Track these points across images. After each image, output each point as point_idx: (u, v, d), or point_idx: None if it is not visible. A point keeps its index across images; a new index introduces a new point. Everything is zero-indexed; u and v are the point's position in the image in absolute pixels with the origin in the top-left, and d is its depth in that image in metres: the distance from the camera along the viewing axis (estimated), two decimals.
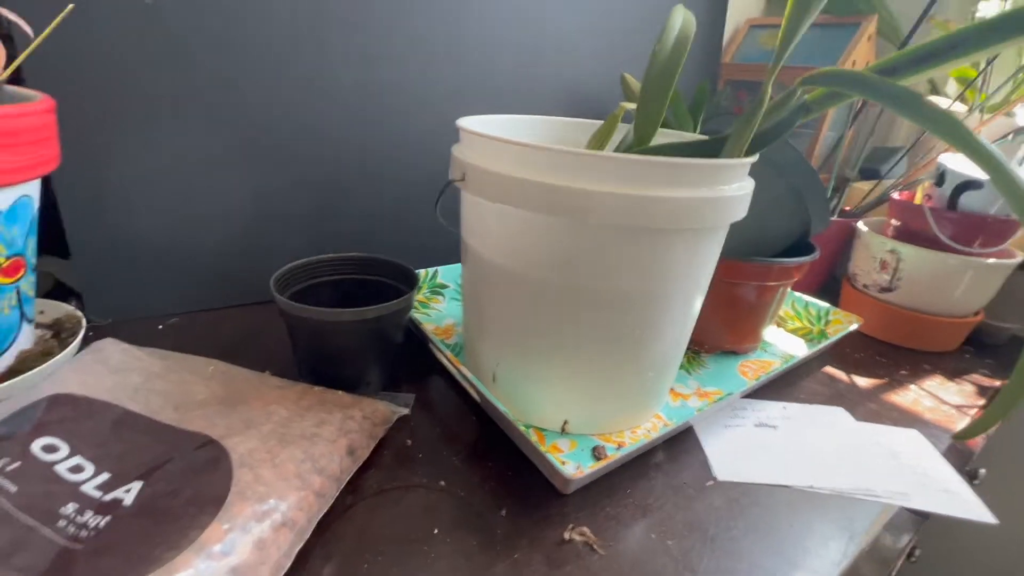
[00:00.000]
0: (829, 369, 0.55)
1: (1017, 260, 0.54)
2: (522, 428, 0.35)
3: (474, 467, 0.36)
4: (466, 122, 0.38)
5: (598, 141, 0.43)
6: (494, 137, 0.32)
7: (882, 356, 0.58)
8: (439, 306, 0.58)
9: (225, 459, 0.27)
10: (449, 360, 0.42)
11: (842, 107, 0.88)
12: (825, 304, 0.60)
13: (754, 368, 0.52)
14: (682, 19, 0.41)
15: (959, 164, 0.54)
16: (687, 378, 0.50)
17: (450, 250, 0.52)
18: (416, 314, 0.55)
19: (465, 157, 0.35)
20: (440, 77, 0.59)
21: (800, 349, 0.57)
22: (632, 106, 0.42)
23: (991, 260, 0.54)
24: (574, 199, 0.30)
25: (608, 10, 0.71)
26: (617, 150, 0.42)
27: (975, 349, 0.60)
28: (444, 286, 0.61)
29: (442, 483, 0.35)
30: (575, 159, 0.30)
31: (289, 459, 0.28)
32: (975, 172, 0.53)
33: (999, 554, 0.81)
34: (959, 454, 0.44)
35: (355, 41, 0.53)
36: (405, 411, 0.39)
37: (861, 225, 0.63)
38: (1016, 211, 0.24)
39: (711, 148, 0.36)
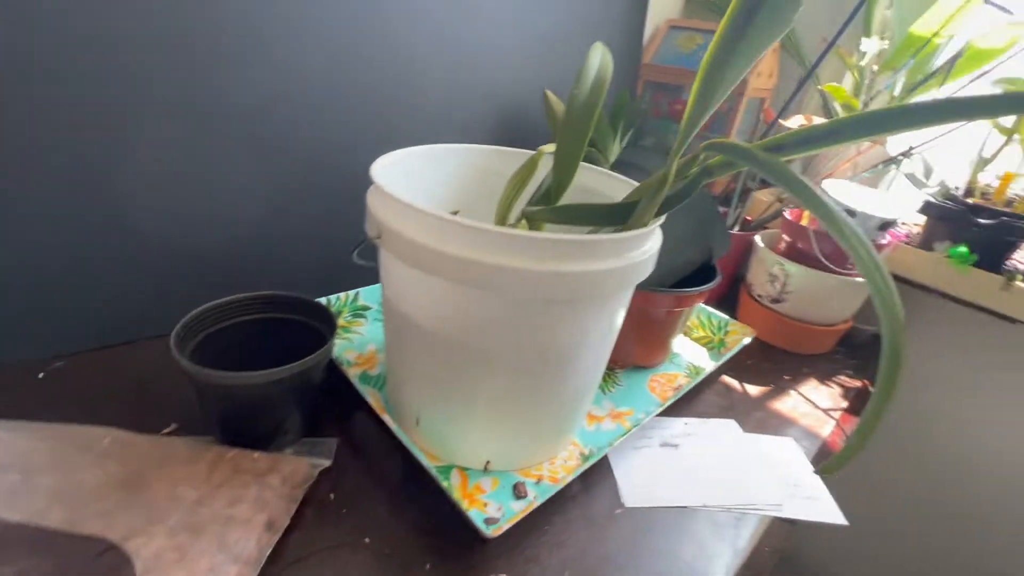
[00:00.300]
0: (725, 379, 0.61)
1: None
2: (444, 484, 0.36)
3: (399, 517, 0.37)
4: (381, 171, 0.37)
5: (517, 182, 0.43)
6: (406, 203, 0.32)
7: (769, 361, 0.66)
8: (361, 329, 0.57)
9: (128, 567, 0.25)
10: (372, 406, 0.42)
11: (748, 115, 0.94)
12: (725, 316, 0.66)
13: (662, 383, 0.57)
14: (600, 60, 0.41)
15: (839, 192, 0.61)
16: (602, 398, 0.53)
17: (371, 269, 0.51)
18: (337, 340, 0.54)
19: (380, 214, 0.34)
20: (367, 91, 0.56)
21: (702, 359, 0.62)
22: (551, 149, 0.43)
23: (860, 279, 0.61)
24: (488, 274, 0.30)
25: (536, 23, 0.69)
26: (536, 194, 0.43)
27: (845, 349, 0.70)
28: (366, 308, 0.60)
29: (367, 539, 0.35)
30: (489, 236, 0.30)
31: (201, 553, 0.27)
32: (849, 201, 0.59)
33: (844, 549, 0.96)
34: (823, 457, 0.51)
35: (273, 56, 0.48)
36: (326, 463, 0.39)
37: (758, 240, 0.70)
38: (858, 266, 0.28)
39: (622, 212, 0.37)
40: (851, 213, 0.59)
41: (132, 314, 0.49)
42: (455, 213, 0.49)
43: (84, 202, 0.44)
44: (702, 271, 0.56)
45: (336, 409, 0.46)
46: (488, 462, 0.41)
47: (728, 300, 0.76)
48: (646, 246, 0.36)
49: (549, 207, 0.39)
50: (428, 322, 0.35)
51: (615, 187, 0.47)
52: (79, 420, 0.40)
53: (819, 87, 0.71)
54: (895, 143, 0.67)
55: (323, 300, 0.56)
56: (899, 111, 0.28)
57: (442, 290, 0.33)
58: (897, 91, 0.71)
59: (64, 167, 0.42)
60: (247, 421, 0.39)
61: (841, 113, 0.74)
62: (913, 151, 0.63)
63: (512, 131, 0.75)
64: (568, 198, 0.42)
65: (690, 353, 0.63)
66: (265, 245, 0.56)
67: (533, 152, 0.49)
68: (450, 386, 0.38)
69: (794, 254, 0.65)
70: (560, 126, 0.40)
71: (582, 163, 0.44)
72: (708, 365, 0.61)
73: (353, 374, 0.48)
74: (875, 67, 0.67)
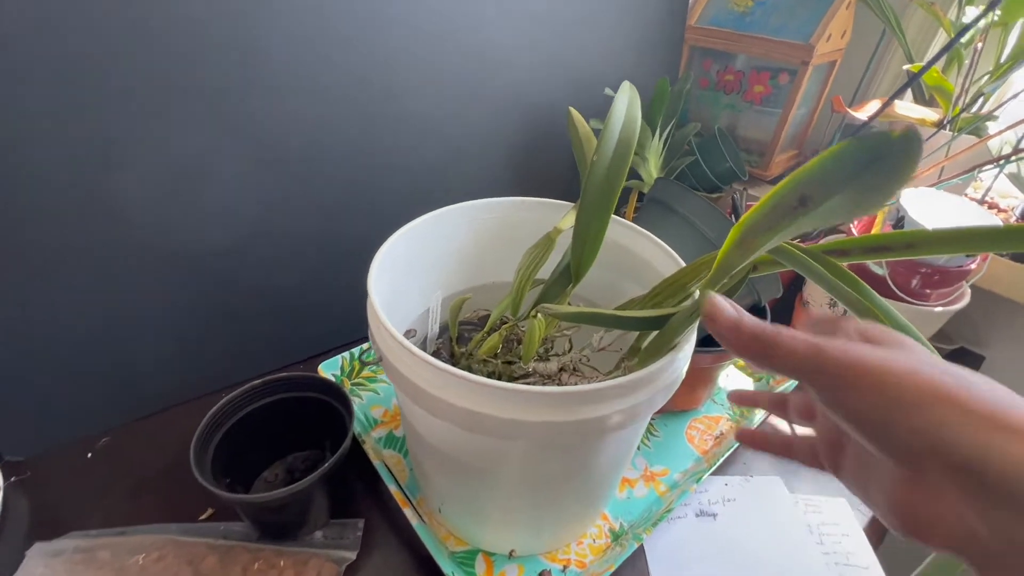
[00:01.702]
0: (773, 419, 0.56)
1: (960, 305, 0.54)
2: None
3: None
4: (378, 276, 0.34)
5: (531, 264, 0.38)
6: (404, 344, 0.29)
7: None
8: (379, 386, 0.55)
9: None
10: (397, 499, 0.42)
11: (814, 84, 0.81)
12: None
13: (702, 430, 0.54)
14: (626, 110, 0.35)
15: (918, 210, 0.52)
16: (636, 454, 0.51)
17: None
18: (364, 391, 0.53)
19: (379, 339, 0.32)
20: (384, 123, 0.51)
21: None
22: (569, 225, 0.38)
23: (938, 309, 0.54)
24: (498, 426, 0.28)
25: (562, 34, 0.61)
26: (555, 272, 0.39)
27: None
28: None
29: None
30: (497, 393, 0.27)
31: None
32: (931, 223, 0.50)
33: None
34: (879, 524, 0.47)
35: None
36: (351, 558, 0.39)
37: None
38: None
39: (653, 323, 0.32)
40: None
41: (170, 378, 0.51)
42: (444, 300, 0.45)
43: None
44: (750, 310, 0.50)
45: (363, 482, 0.46)
46: (513, 550, 0.41)
47: (782, 310, 0.69)
48: (673, 369, 0.31)
49: (569, 312, 0.35)
50: (438, 444, 0.34)
51: (645, 248, 0.41)
52: (125, 508, 0.43)
53: (907, 67, 0.59)
54: (999, 141, 0.55)
55: (347, 353, 0.55)
56: (1006, 231, 0.22)
57: (448, 428, 0.31)
58: (1006, 54, 0.58)
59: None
60: (275, 523, 0.39)
61: (938, 102, 0.62)
62: None
63: (537, 143, 0.68)
64: (597, 265, 0.37)
65: (734, 386, 0.59)
66: (299, 295, 0.55)
67: (556, 202, 0.44)
68: (467, 492, 0.37)
69: (859, 273, 0.57)
70: (580, 200, 0.35)
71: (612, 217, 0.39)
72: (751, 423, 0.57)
73: (376, 444, 0.48)
74: (980, 43, 0.54)
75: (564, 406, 0.27)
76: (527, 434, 0.27)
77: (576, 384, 0.34)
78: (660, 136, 0.72)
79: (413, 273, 0.41)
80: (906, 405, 0.16)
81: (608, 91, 0.67)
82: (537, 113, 0.66)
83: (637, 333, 0.35)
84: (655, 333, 0.32)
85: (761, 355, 0.19)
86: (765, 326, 0.19)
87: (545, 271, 0.39)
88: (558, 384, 0.35)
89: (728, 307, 0.21)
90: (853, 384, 0.17)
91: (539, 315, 0.35)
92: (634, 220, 0.50)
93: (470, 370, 0.38)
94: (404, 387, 0.30)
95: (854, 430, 0.17)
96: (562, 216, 0.38)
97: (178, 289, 0.47)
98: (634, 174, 0.73)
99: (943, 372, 0.16)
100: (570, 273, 0.38)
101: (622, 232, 0.43)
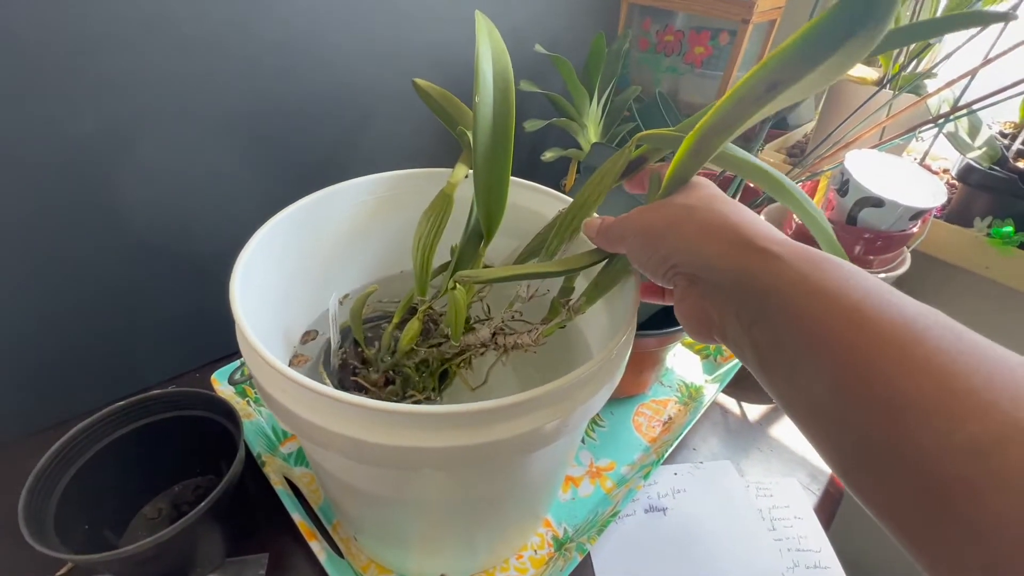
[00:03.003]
0: (721, 399, 0.54)
1: (901, 271, 0.53)
2: None
3: None
4: (243, 280, 0.27)
5: (430, 231, 0.32)
6: (272, 363, 0.22)
7: None
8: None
9: None
10: (303, 530, 0.36)
11: (754, 44, 0.78)
12: None
13: (649, 416, 0.50)
14: (490, 48, 0.29)
15: (863, 174, 0.49)
16: (580, 447, 0.47)
17: None
18: (259, 411, 0.46)
19: (248, 358, 0.25)
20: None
21: (695, 373, 0.55)
22: (466, 173, 0.32)
23: (881, 274, 0.52)
24: (393, 456, 0.22)
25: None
26: (464, 236, 0.32)
27: None
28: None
29: None
30: (385, 417, 0.21)
31: None
32: (877, 187, 0.48)
33: None
34: (830, 500, 0.46)
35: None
36: None
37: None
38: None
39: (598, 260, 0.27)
40: (878, 203, 0.48)
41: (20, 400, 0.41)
42: (344, 298, 0.39)
43: None
44: None
45: (267, 508, 0.39)
46: (443, 575, 0.36)
47: None
48: (612, 364, 0.26)
49: (494, 275, 0.29)
50: (336, 472, 0.28)
51: (555, 208, 0.36)
52: None
53: None
54: (938, 100, 0.54)
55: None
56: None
57: (343, 461, 0.25)
58: (943, 5, 0.56)
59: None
60: (154, 574, 0.32)
61: (879, 59, 0.60)
62: (963, 108, 0.50)
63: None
64: (502, 228, 0.32)
65: (682, 365, 0.56)
66: (174, 298, 0.46)
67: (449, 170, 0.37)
68: (381, 520, 0.31)
69: (806, 240, 0.55)
70: (475, 155, 0.29)
71: (514, 179, 0.33)
72: (700, 380, 0.54)
73: (285, 461, 0.41)
74: None
75: (475, 426, 0.22)
76: (430, 463, 0.22)
77: (514, 343, 0.28)
78: (599, 101, 0.66)
79: (304, 267, 0.34)
80: (653, 239, 0.23)
81: (539, 47, 0.61)
82: (460, 72, 0.58)
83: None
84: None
85: (605, 240, 0.26)
86: (607, 221, 0.26)
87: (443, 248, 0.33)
88: (495, 348, 0.29)
89: (595, 219, 0.28)
90: (625, 237, 0.25)
91: (458, 285, 0.29)
92: (572, 191, 0.45)
93: (396, 368, 0.32)
94: (278, 412, 0.24)
95: (637, 267, 0.25)
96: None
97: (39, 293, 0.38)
98: (572, 142, 0.67)
99: (696, 209, 0.22)
100: (480, 231, 0.32)
101: (526, 195, 0.37)
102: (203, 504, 0.31)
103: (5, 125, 0.33)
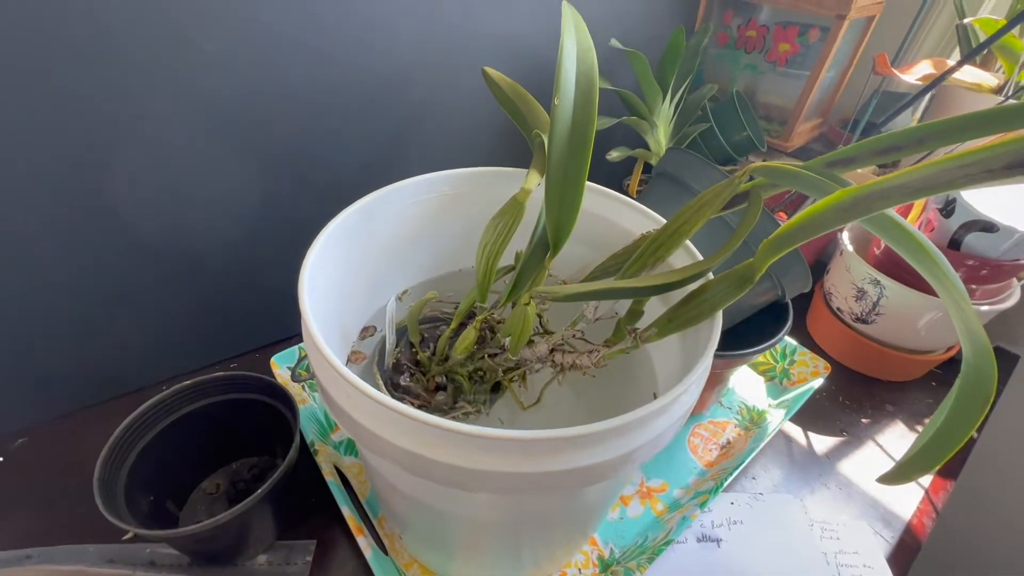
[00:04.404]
0: (786, 428, 0.50)
1: (1008, 304, 0.48)
2: None
3: None
4: (310, 283, 0.26)
5: (497, 239, 0.30)
6: (343, 373, 0.22)
7: (844, 393, 0.54)
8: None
9: None
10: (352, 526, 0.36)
11: (847, 43, 0.72)
12: (792, 341, 0.54)
13: (706, 437, 0.48)
14: (576, 45, 0.27)
15: (974, 194, 0.44)
16: None
17: None
18: (313, 396, 0.47)
19: (315, 366, 0.25)
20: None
21: (759, 396, 0.52)
22: (535, 184, 0.30)
23: (984, 307, 0.47)
24: (463, 477, 0.21)
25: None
26: (529, 245, 0.31)
27: (943, 373, 0.56)
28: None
29: None
30: (449, 437, 0.20)
31: None
32: (989, 210, 0.43)
33: None
34: (906, 550, 0.42)
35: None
36: None
37: (845, 240, 0.54)
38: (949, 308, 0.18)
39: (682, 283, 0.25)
40: (990, 228, 0.43)
41: (82, 378, 0.44)
42: (403, 294, 0.38)
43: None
44: (771, 307, 0.44)
45: (319, 494, 0.40)
46: None
47: (798, 301, 0.62)
48: (675, 407, 0.24)
49: (572, 291, 0.27)
50: (391, 479, 0.27)
51: (632, 219, 0.34)
52: (39, 524, 0.37)
53: (968, 20, 0.50)
54: None
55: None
56: None
57: (396, 468, 0.24)
58: None
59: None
60: (210, 550, 0.34)
61: (1001, 64, 0.53)
62: None
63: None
64: (572, 239, 0.30)
65: (744, 386, 0.53)
66: (248, 279, 0.47)
67: (520, 171, 0.36)
68: (428, 526, 0.31)
69: (889, 265, 0.50)
70: (548, 151, 0.27)
71: (588, 184, 0.31)
72: (764, 404, 0.51)
73: (335, 450, 0.42)
74: None
75: (542, 454, 0.20)
76: (491, 487, 0.21)
77: (573, 362, 0.27)
78: (671, 99, 0.63)
79: (365, 263, 0.34)
80: None
81: (614, 42, 0.58)
82: (536, 64, 0.57)
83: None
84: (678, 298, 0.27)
85: None
86: None
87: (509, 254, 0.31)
88: (552, 365, 0.28)
89: None
90: None
91: (531, 301, 0.28)
92: (638, 197, 0.42)
93: (449, 376, 0.32)
94: (350, 428, 0.23)
95: None
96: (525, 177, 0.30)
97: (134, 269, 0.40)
98: (640, 142, 0.64)
99: None
100: (547, 242, 0.30)
101: (600, 201, 0.35)
102: (261, 490, 0.31)
103: (5, 125, 0.33)
